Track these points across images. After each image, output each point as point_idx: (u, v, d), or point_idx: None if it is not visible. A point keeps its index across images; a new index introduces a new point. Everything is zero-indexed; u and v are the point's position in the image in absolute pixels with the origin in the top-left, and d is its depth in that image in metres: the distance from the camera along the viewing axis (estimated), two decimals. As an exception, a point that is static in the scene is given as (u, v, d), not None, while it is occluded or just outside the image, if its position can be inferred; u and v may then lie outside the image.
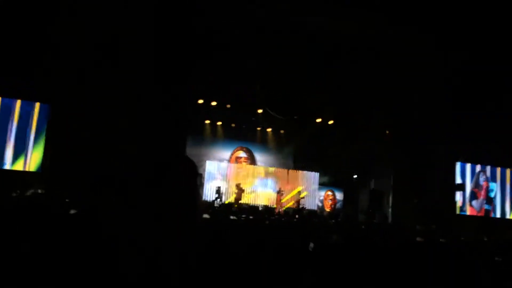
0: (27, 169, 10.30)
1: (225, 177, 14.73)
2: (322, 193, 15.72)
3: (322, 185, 15.74)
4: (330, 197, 15.79)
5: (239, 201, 13.33)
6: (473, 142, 13.31)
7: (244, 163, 15.48)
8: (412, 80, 11.42)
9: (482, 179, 14.79)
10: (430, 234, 6.57)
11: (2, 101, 10.16)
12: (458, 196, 14.34)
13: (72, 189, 5.99)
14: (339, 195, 15.84)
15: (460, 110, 12.29)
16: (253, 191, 14.83)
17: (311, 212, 14.05)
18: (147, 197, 1.56)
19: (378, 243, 5.22)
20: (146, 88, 8.82)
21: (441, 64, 10.57)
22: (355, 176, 15.93)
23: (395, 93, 12.08)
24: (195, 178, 1.70)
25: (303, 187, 15.27)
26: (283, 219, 8.53)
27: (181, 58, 9.01)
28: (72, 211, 4.23)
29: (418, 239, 5.87)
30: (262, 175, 15.25)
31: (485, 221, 14.19)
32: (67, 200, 5.03)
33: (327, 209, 15.46)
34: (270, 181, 15.21)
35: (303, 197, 14.71)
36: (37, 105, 10.49)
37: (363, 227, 8.22)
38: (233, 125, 14.71)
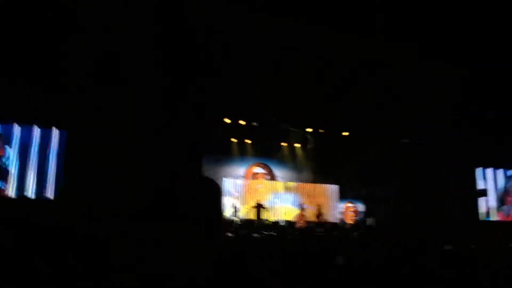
0: (48, 196, 10.39)
1: (243, 194, 14.67)
2: (342, 205, 15.51)
3: (343, 197, 15.53)
4: (351, 209, 15.52)
5: (260, 217, 13.23)
6: (494, 146, 13.06)
7: (261, 179, 15.40)
8: (425, 86, 11.42)
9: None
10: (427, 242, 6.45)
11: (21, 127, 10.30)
12: (482, 201, 13.97)
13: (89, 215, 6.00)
14: (360, 207, 15.60)
15: (478, 115, 12.16)
16: (273, 207, 14.70)
17: (333, 225, 13.87)
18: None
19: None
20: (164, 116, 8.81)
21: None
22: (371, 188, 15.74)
23: (406, 101, 12.06)
24: (219, 198, 1.68)
25: (324, 200, 15.09)
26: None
27: (193, 79, 9.07)
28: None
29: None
30: (281, 190, 15.13)
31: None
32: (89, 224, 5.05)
33: (349, 222, 15.20)
34: (289, 196, 15.07)
35: (322, 212, 14.52)
36: (55, 131, 10.62)
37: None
38: (249, 141, 14.70)
